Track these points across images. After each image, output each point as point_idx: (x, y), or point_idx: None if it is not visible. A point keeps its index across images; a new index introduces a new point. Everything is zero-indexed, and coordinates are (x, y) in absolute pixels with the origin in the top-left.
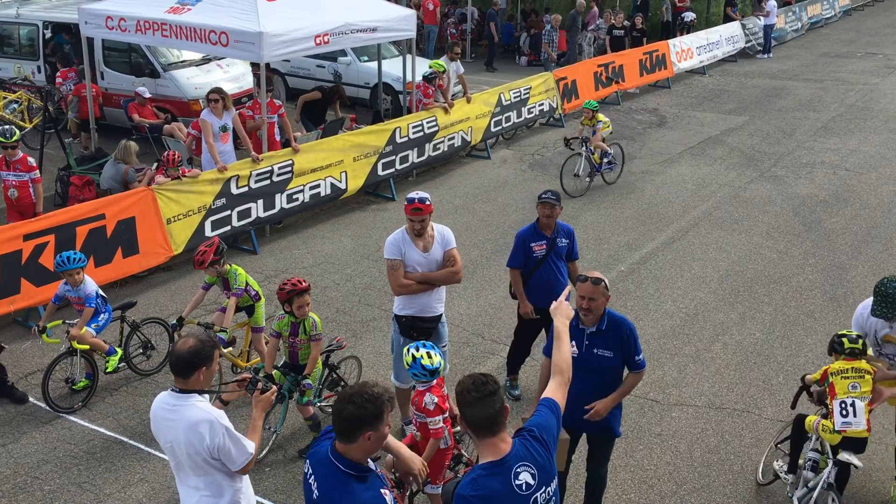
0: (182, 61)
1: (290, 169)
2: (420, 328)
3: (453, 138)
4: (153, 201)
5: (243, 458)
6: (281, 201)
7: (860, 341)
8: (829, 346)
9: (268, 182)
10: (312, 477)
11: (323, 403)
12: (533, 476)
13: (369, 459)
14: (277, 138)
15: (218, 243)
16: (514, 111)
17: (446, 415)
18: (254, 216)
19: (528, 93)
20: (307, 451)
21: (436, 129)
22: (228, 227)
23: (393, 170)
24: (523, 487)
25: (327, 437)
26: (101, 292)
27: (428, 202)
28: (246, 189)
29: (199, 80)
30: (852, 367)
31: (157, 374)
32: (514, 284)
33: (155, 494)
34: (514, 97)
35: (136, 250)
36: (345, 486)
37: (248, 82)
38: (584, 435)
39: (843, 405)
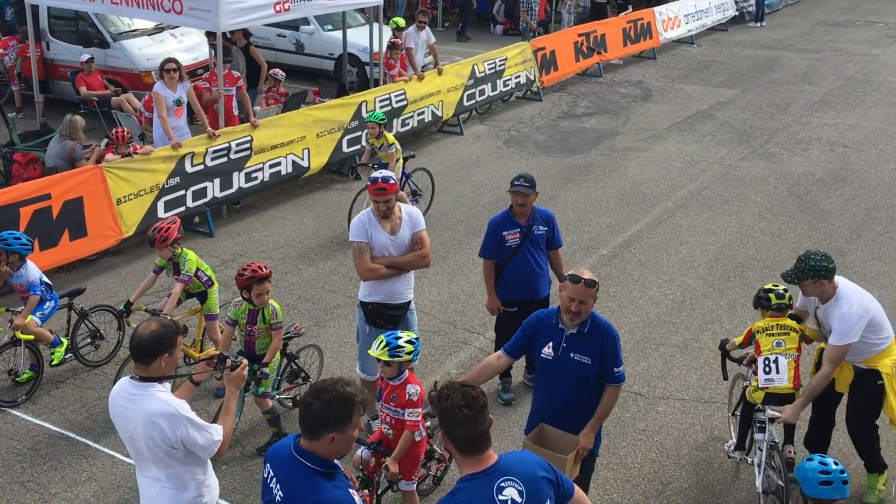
0: (133, 30)
1: (248, 145)
2: (387, 316)
3: (423, 113)
4: (102, 180)
5: (212, 446)
6: (239, 180)
7: (786, 296)
8: (754, 300)
9: (225, 160)
10: (274, 479)
11: (282, 396)
12: (520, 493)
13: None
14: (235, 113)
15: (179, 221)
16: (489, 84)
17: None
18: (210, 196)
19: (504, 64)
20: (266, 450)
21: (405, 102)
22: (182, 208)
23: (359, 146)
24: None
25: (290, 438)
26: (45, 279)
27: (392, 181)
28: (201, 167)
29: (151, 50)
30: (777, 324)
31: (105, 365)
32: (485, 276)
33: (104, 494)
34: (489, 69)
35: (83, 233)
36: (313, 483)
37: (203, 53)
38: None
39: (767, 362)
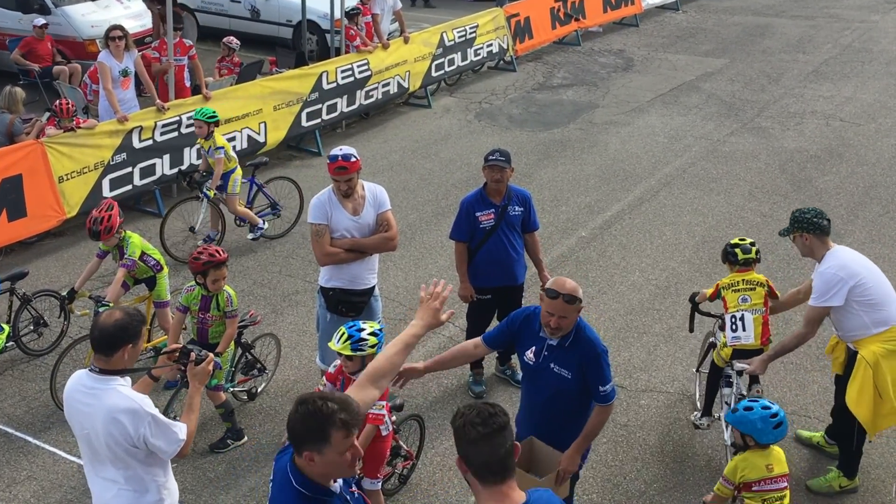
0: None
1: None
2: (349, 303)
3: (388, 84)
4: (43, 156)
5: (174, 445)
6: (190, 157)
7: (753, 250)
8: (721, 255)
9: (175, 134)
10: (272, 483)
11: (237, 389)
12: None
13: (338, 481)
14: (187, 84)
15: (117, 205)
16: (459, 53)
17: (386, 401)
18: (159, 174)
19: (475, 32)
20: (219, 446)
21: (368, 73)
22: (130, 187)
23: (319, 120)
24: None
25: None
26: None
27: (353, 159)
28: (150, 142)
29: (95, 17)
30: (743, 279)
31: (48, 354)
32: (457, 260)
33: (45, 494)
34: (459, 37)
35: (23, 213)
36: None
37: (151, 20)
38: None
39: (734, 319)
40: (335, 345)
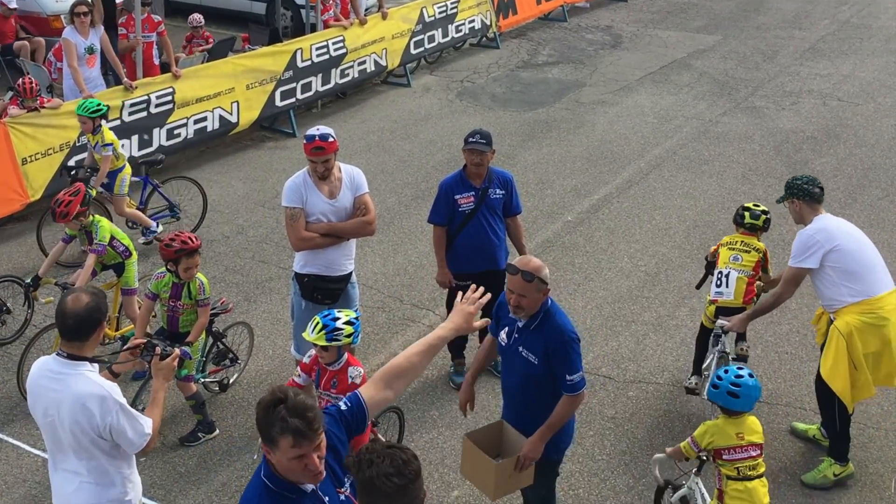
0: None
1: (170, 98)
2: (325, 290)
3: (365, 62)
4: (5, 137)
5: (140, 439)
6: (160, 137)
7: (762, 217)
8: (734, 215)
9: (144, 114)
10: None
11: (208, 380)
12: None
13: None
14: (156, 62)
15: (84, 191)
16: (439, 29)
17: None
18: (127, 156)
19: (456, 7)
20: (190, 439)
21: (344, 51)
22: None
23: (293, 100)
24: None
25: None
26: None
27: (331, 139)
28: (118, 123)
29: None
30: (742, 241)
31: (11, 343)
32: (435, 245)
33: (8, 489)
34: (440, 12)
35: None
36: (252, 501)
37: None
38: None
39: (720, 275)
40: (309, 335)
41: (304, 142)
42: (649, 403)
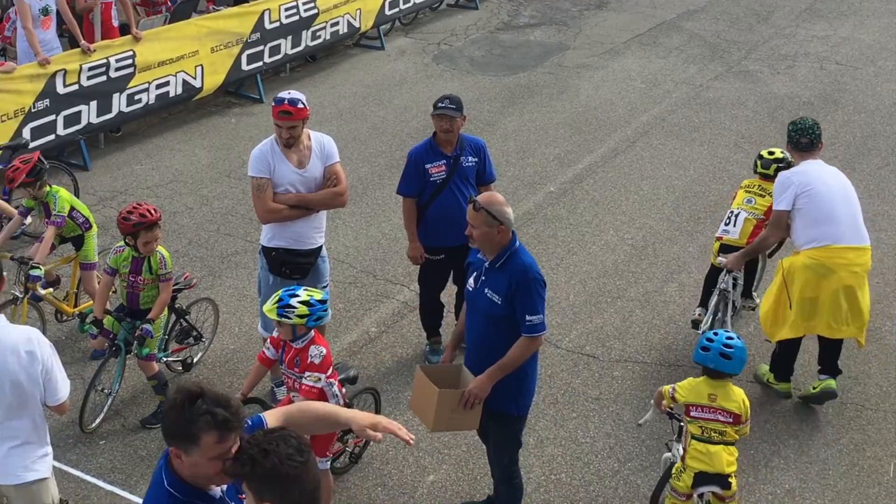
0: None
1: (131, 62)
2: (294, 264)
3: (337, 24)
4: None
5: (65, 390)
6: (119, 103)
7: (773, 167)
8: (753, 163)
9: (103, 79)
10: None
11: (170, 359)
12: None
13: (219, 488)
14: (115, 23)
15: (36, 161)
16: None
17: (332, 370)
18: (84, 122)
19: None
20: (151, 421)
21: (315, 11)
22: (52, 136)
23: (261, 63)
24: None
25: None
26: None
27: (301, 105)
28: (75, 87)
29: None
30: (759, 185)
31: None
32: (405, 217)
33: None
34: None
35: None
36: None
37: None
38: None
39: (730, 214)
40: (266, 306)
41: (273, 104)
42: (636, 384)
